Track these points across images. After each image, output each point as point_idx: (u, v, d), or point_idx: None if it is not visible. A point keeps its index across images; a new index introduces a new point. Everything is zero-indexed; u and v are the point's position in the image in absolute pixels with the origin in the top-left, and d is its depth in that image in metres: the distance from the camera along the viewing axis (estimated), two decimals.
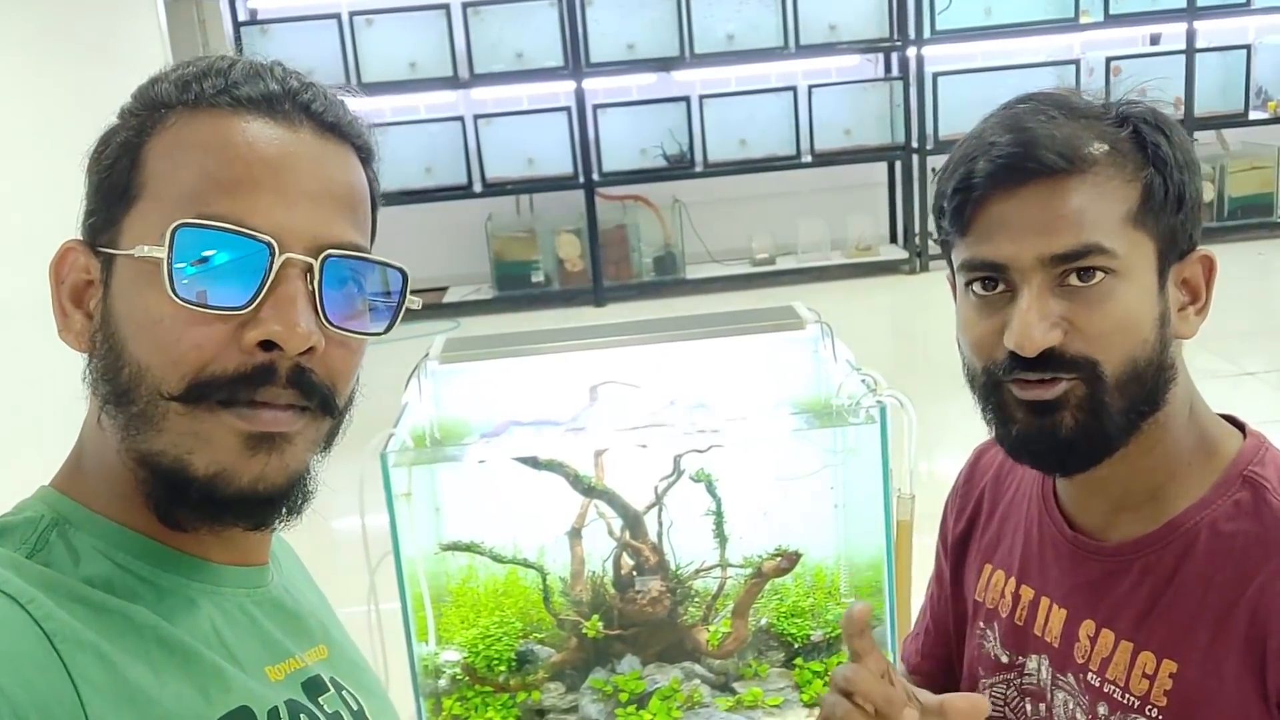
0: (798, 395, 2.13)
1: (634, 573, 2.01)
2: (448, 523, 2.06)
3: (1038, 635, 1.04)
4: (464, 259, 6.90)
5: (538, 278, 6.90)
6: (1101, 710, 0.97)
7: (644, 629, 2.00)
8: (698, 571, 2.01)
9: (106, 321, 0.73)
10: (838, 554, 2.08)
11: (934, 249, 7.04)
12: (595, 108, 6.70)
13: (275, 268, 0.71)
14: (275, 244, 0.71)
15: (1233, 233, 6.91)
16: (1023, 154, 0.89)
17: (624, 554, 2.01)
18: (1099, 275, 0.89)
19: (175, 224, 0.69)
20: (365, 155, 0.80)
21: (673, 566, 2.01)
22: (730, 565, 2.01)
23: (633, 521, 1.99)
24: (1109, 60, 6.76)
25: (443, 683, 1.98)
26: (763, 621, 2.03)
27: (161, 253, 0.69)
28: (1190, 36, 6.69)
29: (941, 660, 1.22)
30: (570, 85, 6.67)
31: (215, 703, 0.71)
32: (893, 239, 7.31)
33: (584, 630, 1.98)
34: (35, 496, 0.77)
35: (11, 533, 0.73)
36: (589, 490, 1.96)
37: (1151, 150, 0.91)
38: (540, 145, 6.76)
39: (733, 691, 1.98)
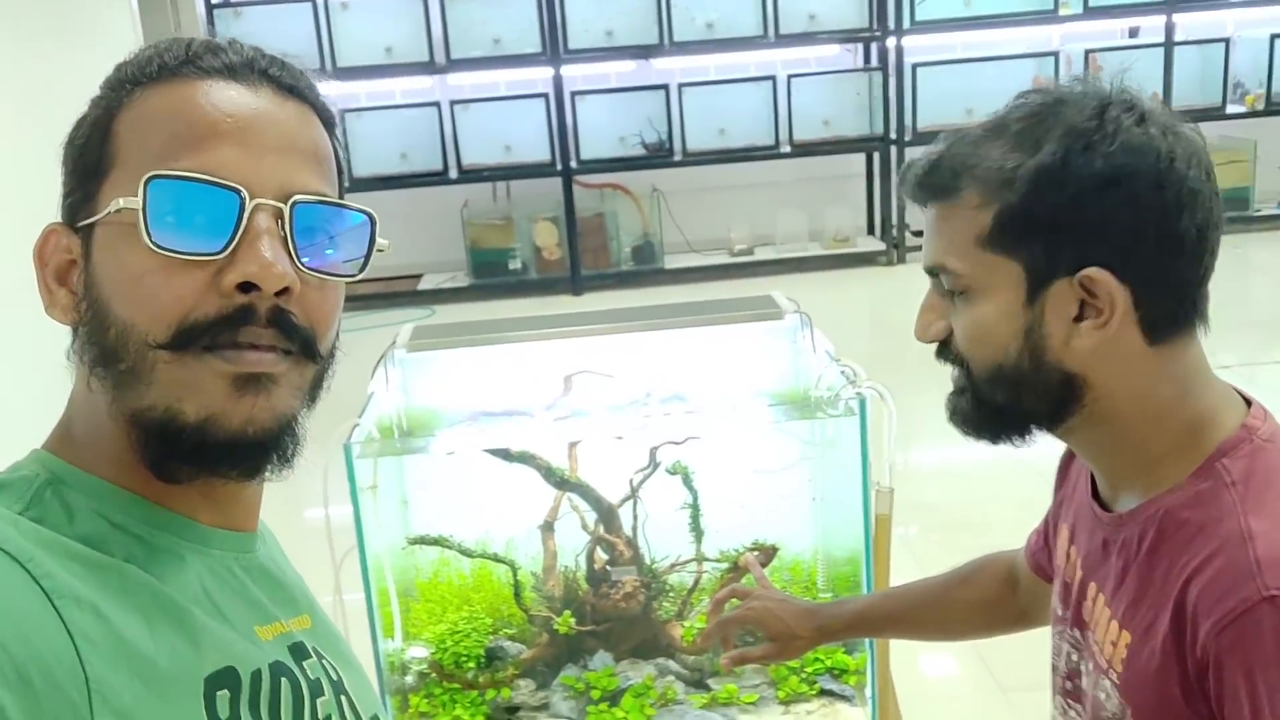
0: (776, 386, 2.09)
1: (607, 567, 1.97)
2: (416, 516, 2.01)
3: (1072, 589, 1.12)
4: (439, 246, 6.82)
5: (514, 265, 6.84)
6: (1089, 667, 1.06)
7: (617, 624, 1.96)
8: (673, 566, 1.97)
9: (90, 289, 0.76)
10: (815, 548, 2.05)
11: (911, 241, 7.01)
12: (573, 94, 6.64)
13: (247, 213, 0.74)
14: (245, 191, 0.74)
15: None
16: (909, 187, 1.03)
17: (598, 548, 1.96)
18: (960, 289, 1.00)
19: (148, 175, 0.73)
20: (327, 120, 0.82)
21: (647, 561, 1.96)
22: (706, 559, 1.96)
23: (607, 515, 1.95)
24: (1087, 52, 6.75)
25: (409, 679, 1.94)
26: None
27: (136, 204, 0.73)
28: (1169, 29, 6.68)
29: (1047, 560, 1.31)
30: (548, 72, 6.61)
31: (207, 660, 0.72)
32: (870, 230, 7.28)
33: (555, 626, 1.93)
34: (29, 457, 0.79)
35: (7, 490, 0.74)
36: (562, 483, 1.91)
37: (1018, 175, 0.95)
38: (518, 132, 6.69)
39: (707, 688, 1.94)
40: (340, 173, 0.84)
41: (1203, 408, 1.00)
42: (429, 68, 6.60)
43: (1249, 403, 1.02)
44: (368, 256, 0.82)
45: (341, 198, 0.82)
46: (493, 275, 6.81)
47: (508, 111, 6.71)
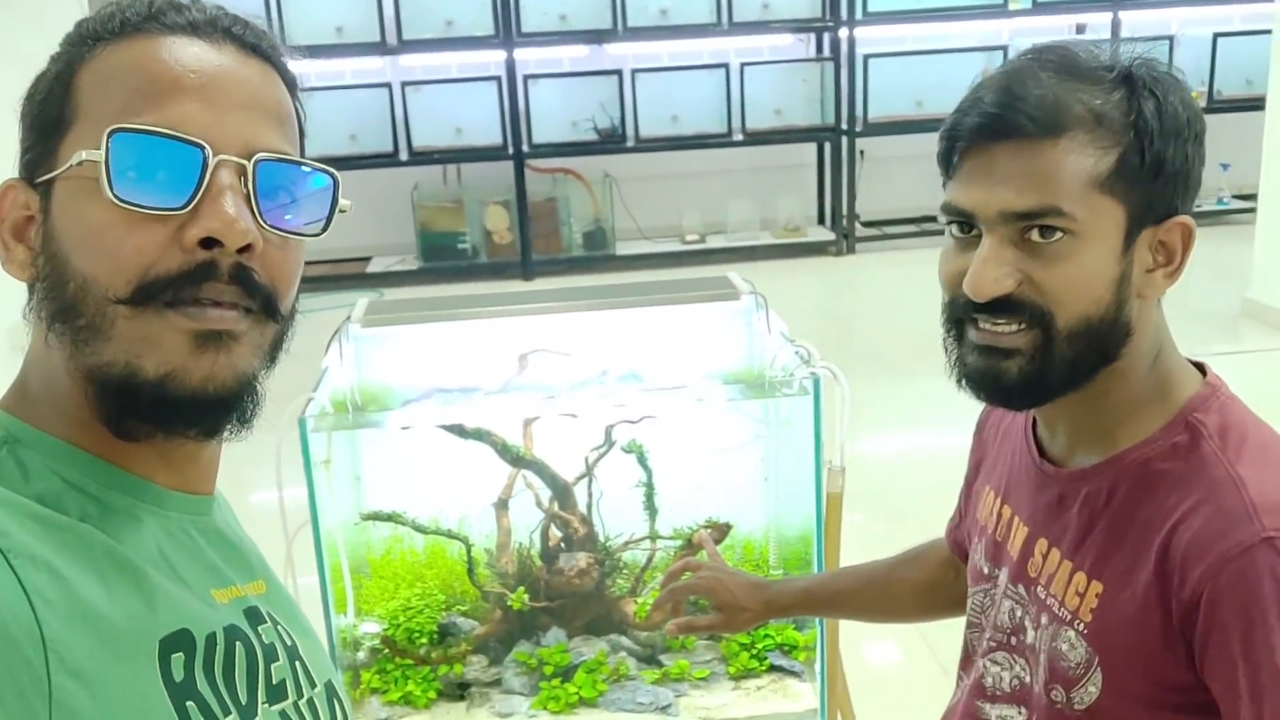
0: (731, 366, 2.10)
1: (561, 545, 1.97)
2: (369, 492, 2.00)
3: (1008, 550, 1.13)
4: (389, 229, 6.77)
5: (465, 249, 6.80)
6: (1043, 620, 1.06)
7: (570, 601, 1.96)
8: (627, 543, 1.98)
9: (48, 243, 0.75)
10: (767, 526, 2.07)
11: (861, 231, 7.08)
12: (526, 78, 6.62)
13: (210, 169, 0.73)
14: (208, 147, 0.73)
15: None
16: (1002, 114, 0.95)
17: (552, 525, 1.97)
18: (1059, 234, 0.95)
19: (111, 128, 0.72)
20: (289, 81, 0.83)
21: (601, 538, 1.97)
22: (660, 537, 1.97)
23: (562, 493, 1.95)
24: None
25: (361, 655, 1.93)
26: None
27: (98, 157, 0.72)
28: (1115, 26, 6.80)
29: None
30: (501, 55, 6.58)
31: (162, 622, 0.72)
32: (820, 220, 7.33)
33: (509, 602, 1.94)
34: None
35: None
36: (517, 460, 1.91)
37: (1134, 118, 0.95)
38: (469, 115, 6.65)
39: (659, 664, 1.96)
40: (302, 134, 0.84)
41: (1173, 364, 1.03)
42: (380, 48, 6.54)
43: (1200, 368, 1.05)
44: (330, 217, 0.82)
45: (303, 158, 0.81)
46: (443, 259, 6.77)
47: (459, 94, 6.68)
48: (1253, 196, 5.65)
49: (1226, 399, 1.01)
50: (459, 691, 1.92)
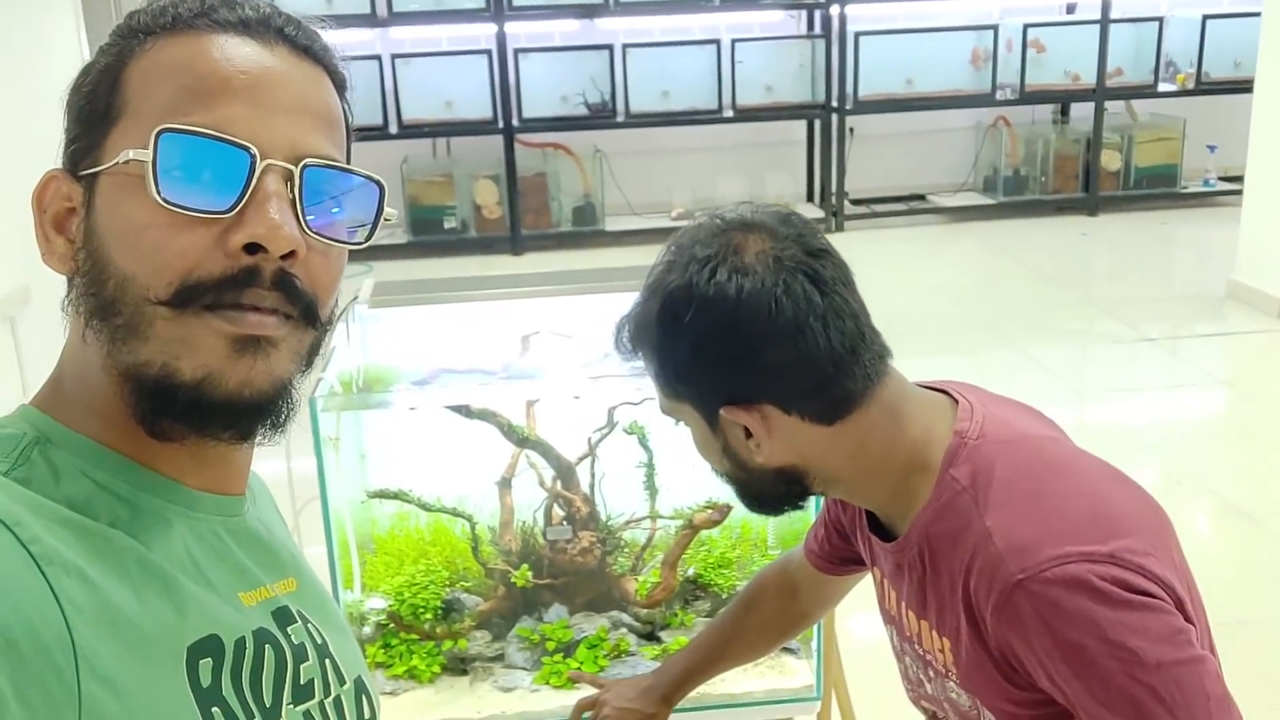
0: None
1: (564, 523, 2.00)
2: (374, 470, 2.03)
3: (890, 611, 1.25)
4: None
5: (453, 223, 6.80)
6: (930, 674, 1.18)
7: (573, 578, 2.00)
8: (628, 523, 2.01)
9: (89, 238, 0.74)
10: None
11: (850, 209, 7.11)
12: (517, 52, 6.60)
13: (257, 173, 0.73)
14: (256, 150, 0.73)
15: (1138, 202, 7.11)
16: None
17: (555, 504, 2.00)
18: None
19: (159, 128, 0.71)
20: (339, 83, 0.83)
21: (603, 517, 2.00)
22: (661, 516, 2.01)
23: (565, 472, 1.98)
24: (1026, 27, 6.87)
25: (367, 630, 1.96)
26: (690, 572, 2.04)
27: (146, 156, 0.71)
28: (1105, 7, 6.82)
29: (833, 558, 1.43)
30: (491, 28, 6.56)
31: (191, 628, 0.72)
32: (809, 198, 7.35)
33: (512, 579, 1.97)
34: (16, 414, 0.78)
35: None
36: (522, 441, 1.94)
37: (652, 338, 1.16)
38: (459, 88, 6.64)
39: (659, 640, 1.99)
40: (349, 137, 0.83)
41: (916, 434, 1.11)
42: (370, 20, 6.51)
43: (957, 399, 1.13)
44: (374, 224, 0.81)
45: (349, 162, 0.81)
46: (431, 233, 6.77)
47: (450, 67, 6.66)
48: (1239, 178, 5.69)
49: (975, 440, 1.09)
50: (462, 666, 1.96)
